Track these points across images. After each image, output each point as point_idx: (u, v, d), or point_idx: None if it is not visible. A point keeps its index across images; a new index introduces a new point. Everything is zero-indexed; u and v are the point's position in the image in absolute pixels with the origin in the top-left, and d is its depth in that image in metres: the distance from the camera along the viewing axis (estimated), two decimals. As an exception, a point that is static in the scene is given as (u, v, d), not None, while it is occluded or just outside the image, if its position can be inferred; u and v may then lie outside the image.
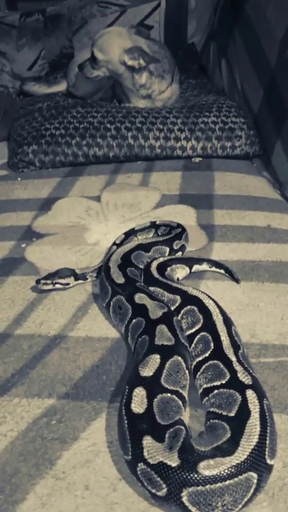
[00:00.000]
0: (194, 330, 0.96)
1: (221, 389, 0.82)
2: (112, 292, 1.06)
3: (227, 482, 0.67)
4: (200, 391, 0.87)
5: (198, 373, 0.89)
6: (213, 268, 1.21)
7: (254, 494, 0.70)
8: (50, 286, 1.15)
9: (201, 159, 1.83)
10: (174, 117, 1.85)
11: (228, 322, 0.96)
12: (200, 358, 0.91)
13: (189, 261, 1.19)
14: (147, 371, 0.82)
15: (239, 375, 0.83)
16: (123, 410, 0.77)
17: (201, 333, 0.94)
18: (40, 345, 1.03)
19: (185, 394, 0.84)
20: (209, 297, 1.02)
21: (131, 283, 1.06)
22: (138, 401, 0.77)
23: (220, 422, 0.76)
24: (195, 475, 0.67)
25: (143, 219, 1.46)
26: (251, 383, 0.81)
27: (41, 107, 2.00)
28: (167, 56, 1.96)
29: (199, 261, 1.21)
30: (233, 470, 0.67)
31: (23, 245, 1.37)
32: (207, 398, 0.84)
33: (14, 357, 1.00)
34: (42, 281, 1.15)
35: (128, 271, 1.10)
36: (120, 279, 1.07)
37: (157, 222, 1.36)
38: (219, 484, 0.67)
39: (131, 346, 0.97)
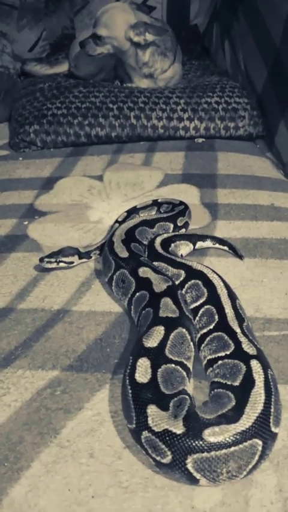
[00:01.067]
0: (198, 303, 0.96)
1: (226, 360, 0.82)
2: (115, 266, 1.05)
3: (232, 448, 0.67)
4: (204, 362, 0.87)
5: (203, 345, 0.89)
6: (217, 245, 1.20)
7: (258, 461, 0.70)
8: (54, 265, 1.14)
9: (204, 139, 1.81)
10: (177, 97, 1.83)
11: (232, 296, 0.95)
12: (205, 331, 0.90)
13: (193, 238, 1.19)
14: (151, 342, 0.81)
15: (243, 345, 0.82)
16: (127, 380, 0.76)
17: (206, 306, 0.94)
18: (43, 319, 1.02)
19: (190, 365, 0.84)
20: (213, 271, 1.01)
21: (135, 257, 1.06)
22: (143, 372, 0.76)
23: (224, 391, 0.76)
24: (200, 442, 0.67)
25: (145, 197, 1.45)
26: (255, 353, 0.81)
27: (42, 87, 1.98)
28: (170, 35, 1.93)
29: (203, 237, 1.20)
30: (237, 437, 0.67)
31: (25, 223, 1.36)
32: (211, 369, 0.84)
33: (18, 330, 1.00)
34: (46, 259, 1.14)
35: (132, 246, 1.10)
36: (124, 253, 1.07)
37: (159, 200, 1.36)
38: (224, 451, 0.67)
39: (134, 319, 0.97)
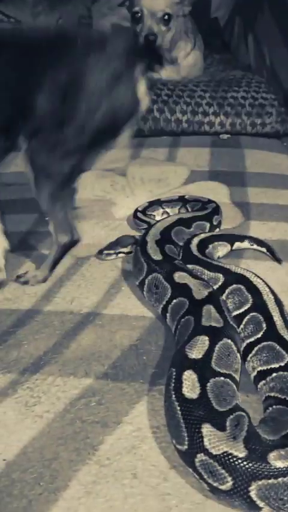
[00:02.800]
0: (242, 310, 0.89)
1: (281, 372, 0.76)
2: (148, 269, 0.98)
3: None
4: (254, 374, 0.80)
5: (250, 355, 0.82)
6: (255, 246, 1.13)
7: None
8: (113, 256, 1.10)
9: (229, 135, 1.75)
10: (202, 91, 1.76)
11: (279, 302, 0.89)
12: (252, 340, 0.84)
13: (231, 238, 1.12)
14: (195, 353, 0.74)
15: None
16: (173, 396, 0.69)
17: (252, 313, 0.87)
18: (72, 322, 0.95)
19: (238, 378, 0.77)
20: (255, 275, 0.95)
21: (170, 260, 0.98)
22: (190, 386, 0.69)
23: (285, 408, 0.70)
24: (266, 467, 0.60)
25: (172, 194, 1.38)
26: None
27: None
28: (190, 19, 1.86)
29: (241, 238, 1.13)
30: None
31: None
32: (264, 382, 0.77)
33: (46, 333, 0.93)
34: (105, 252, 1.10)
35: (166, 248, 1.02)
36: (157, 256, 0.99)
37: (186, 197, 1.29)
38: None
39: (171, 327, 0.90)
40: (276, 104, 1.75)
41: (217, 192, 1.39)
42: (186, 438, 0.65)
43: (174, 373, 0.72)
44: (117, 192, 1.41)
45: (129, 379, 0.83)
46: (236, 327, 0.85)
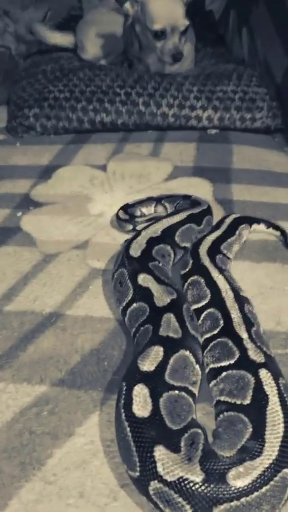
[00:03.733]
0: (200, 305, 0.85)
1: (230, 371, 0.71)
2: (120, 262, 0.92)
3: (264, 489, 0.55)
4: (207, 370, 0.75)
5: (206, 351, 0.78)
6: (270, 230, 1.12)
7: None
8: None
9: (217, 130, 1.68)
10: (190, 84, 1.69)
11: (240, 299, 0.84)
12: (208, 335, 0.79)
13: (251, 220, 1.12)
14: (147, 365, 0.68)
15: (249, 353, 0.71)
16: (123, 414, 0.62)
17: (209, 309, 0.83)
18: (33, 323, 0.89)
19: (196, 391, 0.71)
20: (219, 271, 0.90)
21: (144, 260, 0.91)
22: (141, 402, 0.63)
23: (236, 415, 0.64)
24: (227, 489, 0.54)
25: (152, 191, 1.32)
26: (263, 361, 0.70)
27: (45, 69, 1.84)
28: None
29: (258, 220, 1.13)
30: (267, 473, 0.56)
31: (19, 214, 1.23)
32: (215, 382, 0.72)
33: (2, 335, 0.87)
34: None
35: (156, 248, 0.96)
36: (136, 252, 0.92)
37: (155, 196, 1.22)
38: (255, 494, 0.55)
39: (131, 333, 0.83)
40: (268, 98, 1.68)
41: (200, 189, 1.32)
42: (138, 464, 0.59)
43: (124, 388, 0.66)
44: (96, 188, 1.35)
45: (87, 387, 0.77)
46: (198, 336, 0.78)
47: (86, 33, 1.94)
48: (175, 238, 1.01)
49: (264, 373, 0.67)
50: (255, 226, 1.13)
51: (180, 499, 0.55)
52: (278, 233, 1.12)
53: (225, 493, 0.54)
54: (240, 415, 0.64)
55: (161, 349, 0.71)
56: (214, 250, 0.98)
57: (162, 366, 0.68)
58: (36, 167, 1.47)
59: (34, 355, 0.83)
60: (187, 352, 0.72)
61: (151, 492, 0.57)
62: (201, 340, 0.79)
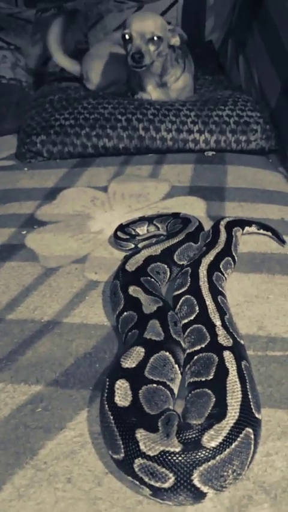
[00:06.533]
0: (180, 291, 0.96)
1: (200, 354, 0.80)
2: (115, 275, 1.01)
3: (233, 445, 0.64)
4: (184, 356, 0.83)
5: (184, 335, 0.87)
6: (261, 231, 1.22)
7: (254, 452, 0.67)
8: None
9: (214, 152, 1.76)
10: (187, 110, 1.79)
11: (214, 290, 0.93)
12: (186, 321, 0.89)
13: (243, 223, 1.22)
14: (129, 363, 0.75)
15: (219, 338, 0.81)
16: (106, 405, 0.69)
17: (186, 296, 0.93)
18: (32, 330, 0.96)
19: (174, 387, 0.78)
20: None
21: (137, 275, 0.99)
22: (122, 394, 0.70)
23: (201, 390, 0.73)
24: (203, 451, 0.62)
25: (150, 209, 1.40)
26: (230, 345, 0.80)
27: (52, 98, 1.97)
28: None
29: (249, 223, 1.23)
30: (233, 431, 0.65)
31: (24, 232, 1.32)
32: (189, 365, 0.81)
33: (4, 342, 0.94)
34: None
35: (152, 266, 1.03)
36: (131, 267, 1.00)
37: (146, 216, 1.30)
38: (227, 450, 0.63)
39: (122, 339, 0.90)
40: (262, 122, 1.77)
41: (194, 207, 1.40)
42: (122, 446, 0.65)
43: (107, 383, 0.73)
44: (97, 207, 1.43)
45: (78, 386, 0.84)
46: (180, 340, 0.85)
47: (91, 66, 2.06)
48: (173, 257, 1.08)
49: (227, 354, 0.78)
50: (247, 228, 1.23)
51: (163, 470, 0.62)
52: (269, 233, 1.22)
53: (202, 455, 0.62)
54: (205, 390, 0.73)
55: (143, 349, 0.78)
56: (213, 269, 1.03)
57: (142, 363, 0.75)
58: (42, 189, 1.57)
59: (32, 359, 0.90)
60: (167, 353, 0.79)
61: (136, 469, 0.64)
62: (183, 344, 0.85)
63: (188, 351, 0.84)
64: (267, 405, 0.79)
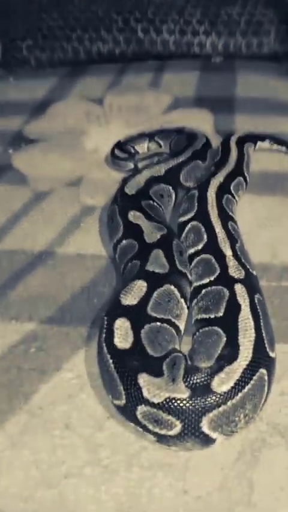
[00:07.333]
0: (187, 217, 0.86)
1: (209, 288, 0.73)
2: (113, 199, 0.90)
3: (246, 388, 0.58)
4: (191, 290, 0.76)
5: (191, 267, 0.79)
6: (275, 146, 1.11)
7: (268, 393, 0.62)
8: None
9: (221, 58, 1.58)
10: (192, 7, 1.58)
11: (223, 216, 0.84)
12: (192, 251, 0.81)
13: (255, 138, 1.10)
14: (130, 299, 0.67)
15: (230, 270, 0.73)
16: (105, 347, 0.62)
17: (192, 223, 0.84)
18: (22, 262, 0.88)
19: (180, 324, 0.70)
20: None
21: (138, 199, 0.88)
22: (123, 335, 0.63)
23: (211, 328, 0.66)
24: (213, 397, 0.57)
25: (150, 124, 1.26)
26: (242, 277, 0.71)
27: (38, -3, 1.72)
28: None
29: (262, 137, 1.11)
30: (246, 373, 0.59)
31: (10, 151, 1.19)
32: (196, 300, 0.73)
33: (-9, 274, 0.86)
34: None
35: (154, 188, 0.91)
36: (131, 190, 0.89)
37: (147, 132, 1.16)
38: (239, 395, 0.58)
39: (120, 270, 0.81)
40: (276, 22, 1.56)
41: (200, 120, 1.25)
42: (123, 392, 0.59)
43: (106, 322, 0.65)
44: (91, 122, 1.29)
45: (76, 324, 0.76)
46: (186, 271, 0.76)
47: None
48: (179, 178, 0.97)
49: (239, 287, 0.69)
50: (260, 144, 1.11)
51: (169, 417, 0.56)
52: (283, 148, 1.11)
53: (212, 401, 0.57)
54: (214, 328, 0.66)
55: (145, 284, 0.69)
56: (223, 191, 0.92)
57: (144, 299, 0.67)
58: (30, 103, 1.42)
59: (23, 294, 0.82)
60: (172, 287, 0.71)
61: (139, 416, 0.58)
62: (190, 276, 0.77)
63: (195, 284, 0.76)
64: (282, 340, 0.72)
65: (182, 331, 0.71)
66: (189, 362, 0.63)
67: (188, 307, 0.73)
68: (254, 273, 0.77)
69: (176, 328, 0.69)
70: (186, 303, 0.73)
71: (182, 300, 0.72)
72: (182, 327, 0.71)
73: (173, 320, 0.68)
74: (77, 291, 0.82)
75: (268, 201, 0.99)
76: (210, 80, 1.46)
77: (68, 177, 1.07)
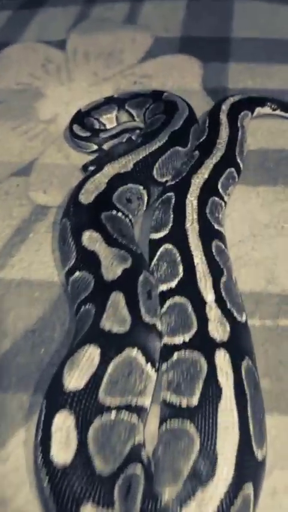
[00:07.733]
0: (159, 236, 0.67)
1: (182, 353, 0.56)
2: (65, 209, 0.70)
3: None
4: (161, 344, 0.59)
5: (162, 311, 0.61)
6: (278, 111, 0.89)
7: (254, 508, 0.48)
8: None
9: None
10: None
11: (206, 233, 0.65)
12: (164, 288, 0.62)
13: (252, 103, 0.88)
14: (76, 379, 0.50)
15: (210, 326, 0.56)
16: (40, 459, 0.46)
17: (165, 245, 0.65)
18: None
19: (145, 402, 0.54)
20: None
21: (97, 209, 0.67)
22: (63, 441, 0.46)
23: (181, 424, 0.50)
24: None
25: (124, 78, 1.01)
26: (225, 339, 0.55)
27: None
28: None
29: (261, 102, 0.89)
30: (226, 499, 0.44)
31: None
32: (166, 366, 0.57)
33: None
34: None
35: (120, 190, 0.71)
36: (88, 196, 0.68)
37: (115, 97, 0.92)
38: None
39: (73, 310, 0.63)
40: None
41: (186, 72, 1.01)
42: None
43: (44, 413, 0.49)
44: (50, 77, 1.03)
45: (15, 389, 0.60)
46: (156, 323, 0.58)
47: None
48: (152, 173, 0.75)
49: (221, 356, 0.53)
50: (259, 109, 0.89)
51: None
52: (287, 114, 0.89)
53: None
54: (186, 423, 0.50)
55: (98, 351, 0.52)
56: (208, 193, 0.71)
57: (96, 378, 0.50)
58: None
59: None
60: (135, 352, 0.54)
61: None
62: (160, 325, 0.59)
63: (165, 340, 0.58)
64: (276, 409, 0.56)
65: (148, 409, 0.55)
66: (151, 467, 0.48)
67: (156, 370, 0.56)
68: (244, 318, 0.59)
69: (139, 411, 0.52)
70: (154, 367, 0.56)
71: (148, 366, 0.55)
72: (147, 403, 0.54)
73: (135, 403, 0.52)
74: (19, 337, 0.64)
75: (267, 194, 0.78)
76: (200, 12, 1.18)
77: (17, 163, 0.86)
